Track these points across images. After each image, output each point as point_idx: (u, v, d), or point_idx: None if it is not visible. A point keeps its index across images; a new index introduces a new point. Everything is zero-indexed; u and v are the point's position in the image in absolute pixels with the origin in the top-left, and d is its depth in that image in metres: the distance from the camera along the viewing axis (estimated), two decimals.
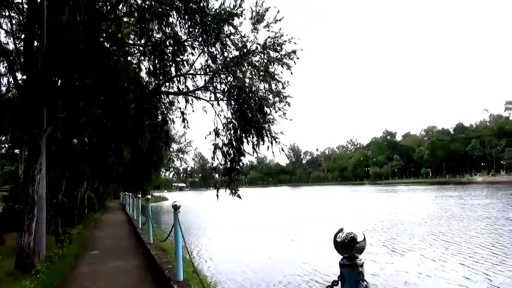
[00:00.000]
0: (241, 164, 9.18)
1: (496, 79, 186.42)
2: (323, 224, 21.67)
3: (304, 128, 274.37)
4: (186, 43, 9.54)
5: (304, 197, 60.45)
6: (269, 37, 9.41)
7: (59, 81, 9.20)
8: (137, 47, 10.57)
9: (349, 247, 1.74)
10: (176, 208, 5.94)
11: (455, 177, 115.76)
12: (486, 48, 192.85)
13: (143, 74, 10.98)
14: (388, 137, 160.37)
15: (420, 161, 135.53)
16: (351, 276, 1.73)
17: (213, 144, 9.12)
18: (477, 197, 37.95)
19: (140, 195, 21.94)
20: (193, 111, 9.80)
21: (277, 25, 9.32)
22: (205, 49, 9.66)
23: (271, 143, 8.57)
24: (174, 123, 13.22)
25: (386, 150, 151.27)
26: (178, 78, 10.32)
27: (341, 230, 1.77)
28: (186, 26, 9.24)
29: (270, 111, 8.74)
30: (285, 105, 8.77)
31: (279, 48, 9.41)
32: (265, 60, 9.60)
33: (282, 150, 8.47)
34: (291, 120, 8.68)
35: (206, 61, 9.52)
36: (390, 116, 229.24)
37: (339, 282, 1.80)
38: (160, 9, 8.56)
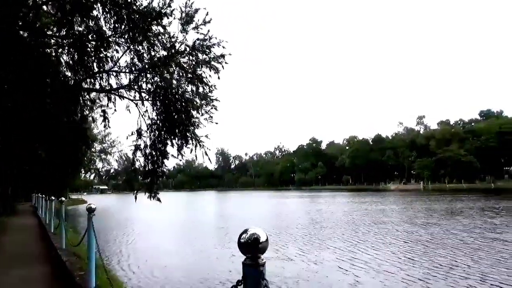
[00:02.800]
0: (163, 166, 8.95)
1: (411, 95, 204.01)
2: (232, 227, 22.64)
3: (235, 133, 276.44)
4: (110, 39, 9.12)
5: (226, 202, 61.60)
6: (198, 39, 9.34)
7: None
8: (57, 39, 9.88)
9: (252, 248, 1.79)
10: (90, 211, 5.61)
11: (372, 184, 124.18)
12: (402, 65, 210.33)
13: (62, 68, 10.28)
14: (314, 144, 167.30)
15: (342, 169, 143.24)
16: (253, 275, 1.78)
17: (134, 145, 8.79)
18: (379, 203, 42.09)
19: (54, 197, 20.39)
20: (115, 110, 9.36)
21: (206, 27, 9.29)
22: (131, 47, 9.33)
23: (196, 146, 8.49)
24: (95, 122, 12.58)
25: (312, 157, 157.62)
26: (100, 75, 9.82)
27: (245, 231, 1.82)
28: (112, 22, 8.85)
29: (196, 114, 8.66)
30: (211, 108, 8.74)
31: (208, 50, 9.38)
32: (194, 62, 9.50)
33: (206, 154, 8.42)
34: (217, 123, 8.68)
35: (132, 59, 9.19)
36: (317, 125, 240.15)
37: (243, 282, 1.85)
38: (83, 0, 8.09)
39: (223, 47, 9.32)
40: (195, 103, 8.75)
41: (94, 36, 8.71)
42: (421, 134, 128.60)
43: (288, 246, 15.29)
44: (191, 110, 8.65)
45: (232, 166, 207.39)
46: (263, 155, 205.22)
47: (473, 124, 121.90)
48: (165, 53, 9.37)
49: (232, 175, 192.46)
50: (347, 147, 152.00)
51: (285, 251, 14.13)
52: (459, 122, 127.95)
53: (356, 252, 13.65)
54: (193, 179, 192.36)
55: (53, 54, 10.29)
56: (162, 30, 9.20)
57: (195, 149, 8.45)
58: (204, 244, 16.77)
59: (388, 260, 12.05)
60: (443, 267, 10.97)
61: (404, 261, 11.96)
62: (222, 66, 9.43)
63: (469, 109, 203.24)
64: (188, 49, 9.47)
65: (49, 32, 10.30)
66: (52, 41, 10.30)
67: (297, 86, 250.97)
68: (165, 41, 9.38)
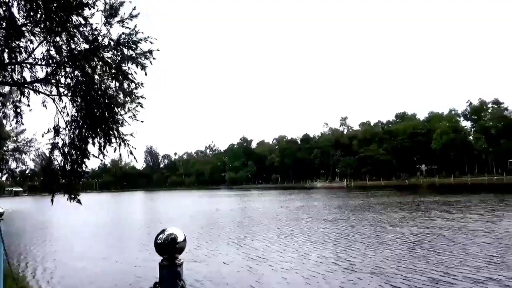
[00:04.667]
0: (84, 166, 8.42)
1: (334, 96, 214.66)
2: (153, 228, 22.41)
3: (165, 132, 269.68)
4: (24, 28, 8.37)
5: (151, 203, 60.65)
6: (123, 33, 8.90)
7: None
8: None
9: (169, 248, 1.75)
10: None
11: (300, 182, 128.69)
12: (326, 68, 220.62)
13: None
14: (244, 144, 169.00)
15: (272, 168, 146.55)
16: (169, 276, 1.74)
17: (51, 144, 8.16)
18: (301, 200, 44.38)
19: None
20: (28, 105, 8.62)
21: (132, 21, 8.90)
22: (48, 38, 8.64)
23: (120, 145, 8.09)
24: (7, 119, 11.46)
25: (242, 156, 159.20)
26: (12, 67, 8.96)
27: (162, 232, 1.77)
28: (26, 9, 8.13)
29: (120, 111, 8.26)
30: (137, 106, 8.38)
31: (134, 46, 8.97)
32: (119, 57, 9.03)
33: (131, 153, 8.06)
34: (142, 122, 8.36)
35: (49, 50, 8.51)
36: (247, 124, 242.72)
37: (159, 284, 1.80)
38: None
39: (151, 43, 9.00)
40: (119, 100, 8.34)
41: (5, 23, 7.93)
42: (345, 134, 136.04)
43: (201, 246, 15.18)
44: (115, 107, 8.23)
45: (161, 165, 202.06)
46: (194, 154, 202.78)
47: (390, 125, 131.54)
48: (87, 46, 8.81)
49: (161, 175, 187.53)
50: (276, 147, 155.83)
51: (197, 251, 14.06)
52: (378, 123, 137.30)
53: (263, 249, 13.96)
54: (119, 179, 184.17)
55: None
56: (83, 21, 8.62)
57: (119, 148, 8.05)
58: (124, 247, 16.34)
59: (293, 258, 12.35)
60: (343, 261, 11.46)
61: (307, 258, 12.30)
62: (150, 62, 9.08)
63: (387, 111, 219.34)
64: (112, 43, 8.98)
65: None
66: None
67: (228, 86, 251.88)
68: (87, 34, 8.80)
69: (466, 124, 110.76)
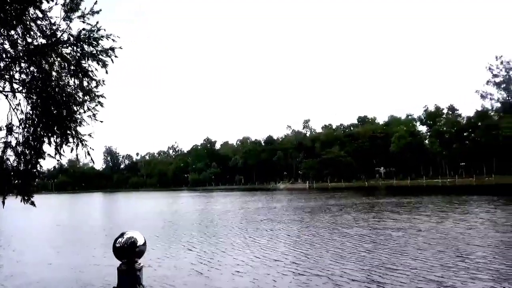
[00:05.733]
0: (39, 166, 8.04)
1: (298, 99, 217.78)
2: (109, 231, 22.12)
3: (126, 132, 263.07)
4: None
5: (108, 204, 59.74)
6: (84, 29, 8.59)
7: None
8: None
9: (128, 252, 1.70)
10: None
11: (263, 184, 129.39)
12: (289, 71, 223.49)
13: None
14: (208, 145, 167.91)
15: (235, 169, 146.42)
16: (128, 281, 1.68)
17: (3, 142, 7.73)
18: (261, 202, 44.97)
19: None
20: None
21: (94, 17, 8.60)
22: (2, 31, 8.20)
23: (77, 145, 7.79)
24: None
25: (206, 157, 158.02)
26: None
27: (121, 235, 1.72)
28: None
29: (79, 110, 7.95)
30: (96, 105, 8.09)
31: (95, 42, 8.67)
32: (78, 54, 8.70)
33: (89, 153, 7.77)
34: (102, 122, 8.09)
35: (2, 44, 8.08)
36: (211, 125, 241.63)
37: None
38: None
39: (113, 40, 8.74)
40: (78, 98, 8.04)
41: None
42: (308, 137, 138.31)
43: (154, 250, 14.68)
44: (73, 106, 7.92)
45: (122, 166, 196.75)
46: (156, 154, 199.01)
47: (352, 128, 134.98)
48: (44, 41, 8.44)
49: (122, 176, 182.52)
50: (240, 148, 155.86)
51: (148, 255, 13.74)
52: (340, 126, 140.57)
53: (216, 253, 13.93)
54: (77, 180, 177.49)
55: None
56: (41, 15, 8.26)
57: (76, 148, 7.76)
58: (77, 251, 15.78)
59: (243, 261, 12.30)
60: (290, 264, 11.60)
61: (256, 260, 12.32)
62: (112, 60, 8.80)
63: (349, 114, 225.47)
64: (72, 39, 8.66)
65: None
66: None
67: (192, 86, 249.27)
68: (44, 28, 8.43)
69: (422, 128, 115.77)
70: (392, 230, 17.35)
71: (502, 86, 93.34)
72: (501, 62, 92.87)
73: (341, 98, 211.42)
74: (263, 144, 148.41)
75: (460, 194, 42.54)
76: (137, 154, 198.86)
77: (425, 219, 21.10)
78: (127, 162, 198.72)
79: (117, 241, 1.68)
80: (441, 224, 18.70)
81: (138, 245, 1.68)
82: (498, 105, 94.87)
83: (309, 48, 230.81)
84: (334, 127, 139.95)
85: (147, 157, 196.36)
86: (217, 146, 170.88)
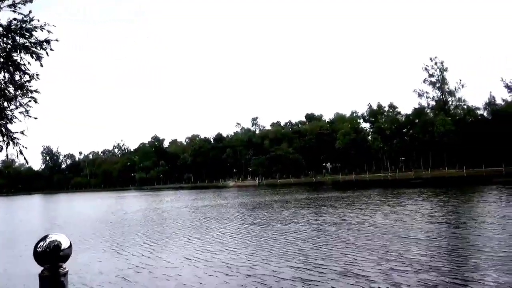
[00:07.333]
0: None
1: (247, 96, 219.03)
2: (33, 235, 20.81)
3: (68, 131, 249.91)
4: None
5: (45, 207, 57.03)
6: (15, 19, 8.03)
7: None
8: None
9: (51, 257, 1.58)
10: None
11: (213, 182, 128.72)
12: (240, 68, 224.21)
13: None
14: (156, 143, 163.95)
15: (184, 167, 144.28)
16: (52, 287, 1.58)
17: None
18: (207, 199, 44.70)
19: None
20: None
21: (26, 6, 8.07)
22: None
23: (8, 144, 7.27)
24: None
25: (153, 155, 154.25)
26: None
27: (43, 239, 1.60)
28: None
29: (9, 106, 7.43)
30: (30, 100, 7.60)
31: (28, 34, 8.13)
32: (9, 46, 8.13)
33: (21, 153, 7.27)
34: (36, 118, 7.60)
35: None
36: (159, 123, 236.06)
37: None
38: None
39: (49, 32, 8.22)
40: (8, 93, 7.50)
41: None
42: (257, 134, 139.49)
43: (80, 254, 13.84)
44: (3, 101, 7.39)
45: (63, 166, 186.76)
46: (101, 153, 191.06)
47: (299, 125, 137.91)
48: None
49: (63, 176, 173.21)
50: (189, 146, 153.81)
51: (74, 260, 13.22)
52: (288, 123, 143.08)
53: (147, 255, 13.46)
54: (13, 181, 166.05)
55: None
56: None
57: (7, 147, 7.23)
58: None
59: (173, 263, 12.02)
60: (222, 263, 11.42)
61: (189, 261, 12.10)
62: (47, 53, 8.30)
63: (297, 112, 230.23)
64: (1, 29, 8.06)
65: None
66: None
67: (139, 83, 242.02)
68: None
69: (366, 125, 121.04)
70: (328, 224, 17.66)
71: (437, 86, 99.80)
72: (435, 63, 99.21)
73: (289, 95, 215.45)
74: (212, 141, 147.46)
75: (396, 188, 45.00)
76: (80, 153, 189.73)
77: (358, 212, 21.87)
78: (69, 161, 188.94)
79: (39, 245, 1.56)
80: (372, 217, 19.28)
81: (62, 248, 1.57)
82: (433, 103, 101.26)
83: (256, 46, 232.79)
84: (282, 124, 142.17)
85: (90, 156, 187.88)
86: (166, 144, 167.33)
